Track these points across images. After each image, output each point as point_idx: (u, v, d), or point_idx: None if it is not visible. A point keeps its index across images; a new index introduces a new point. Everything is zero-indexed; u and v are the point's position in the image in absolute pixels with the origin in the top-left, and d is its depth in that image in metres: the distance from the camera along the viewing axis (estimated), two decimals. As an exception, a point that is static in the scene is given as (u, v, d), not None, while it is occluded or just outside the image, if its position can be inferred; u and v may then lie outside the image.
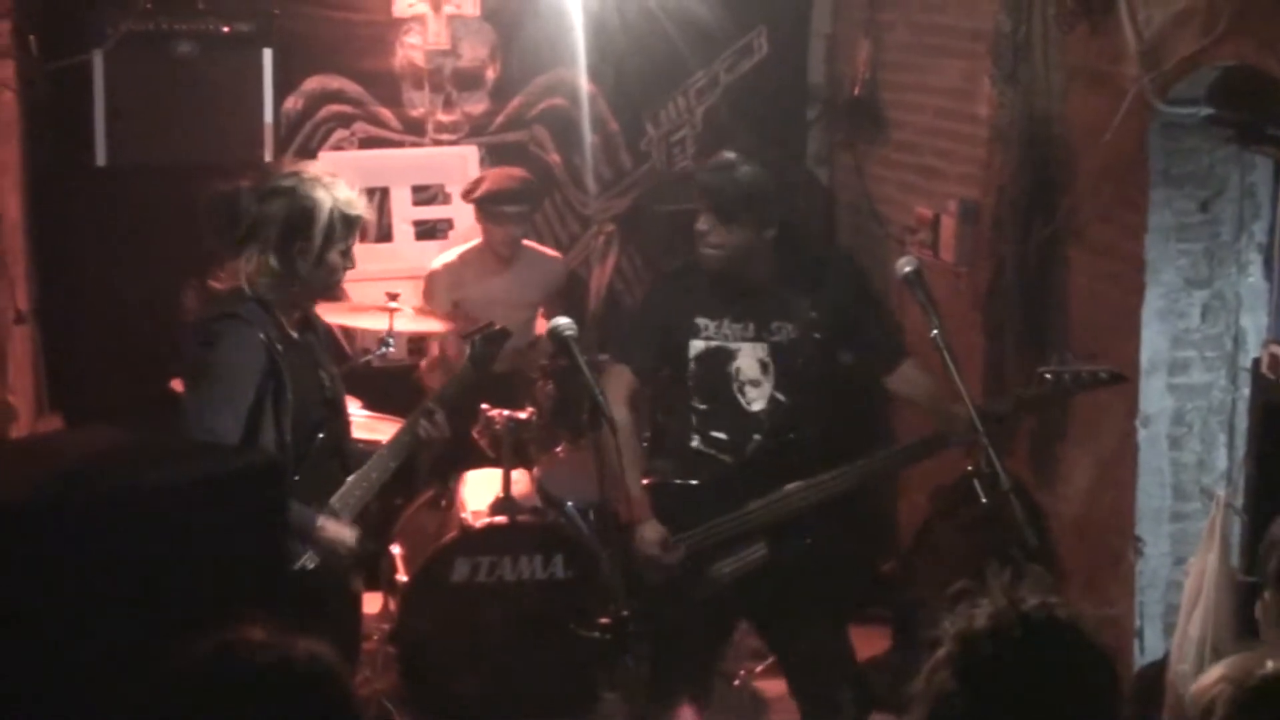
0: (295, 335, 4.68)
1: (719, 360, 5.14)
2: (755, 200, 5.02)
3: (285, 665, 2.41)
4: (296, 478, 4.55)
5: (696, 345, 5.16)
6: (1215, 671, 2.63)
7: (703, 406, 5.17)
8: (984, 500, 4.71)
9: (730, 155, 5.10)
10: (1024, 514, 4.59)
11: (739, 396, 5.15)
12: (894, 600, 6.63)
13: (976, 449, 4.76)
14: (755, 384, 5.15)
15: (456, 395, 5.06)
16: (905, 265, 4.97)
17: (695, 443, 5.18)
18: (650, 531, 5.09)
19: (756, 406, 5.14)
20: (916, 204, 7.11)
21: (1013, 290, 6.18)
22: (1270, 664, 2.57)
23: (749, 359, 5.14)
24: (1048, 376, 4.95)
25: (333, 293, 4.77)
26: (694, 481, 5.15)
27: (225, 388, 4.47)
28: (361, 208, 4.70)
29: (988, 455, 4.64)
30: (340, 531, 4.65)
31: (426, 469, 6.40)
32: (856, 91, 7.67)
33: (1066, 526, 5.99)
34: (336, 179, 4.70)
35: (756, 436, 5.14)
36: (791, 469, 5.10)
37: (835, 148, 8.15)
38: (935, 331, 4.78)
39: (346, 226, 4.63)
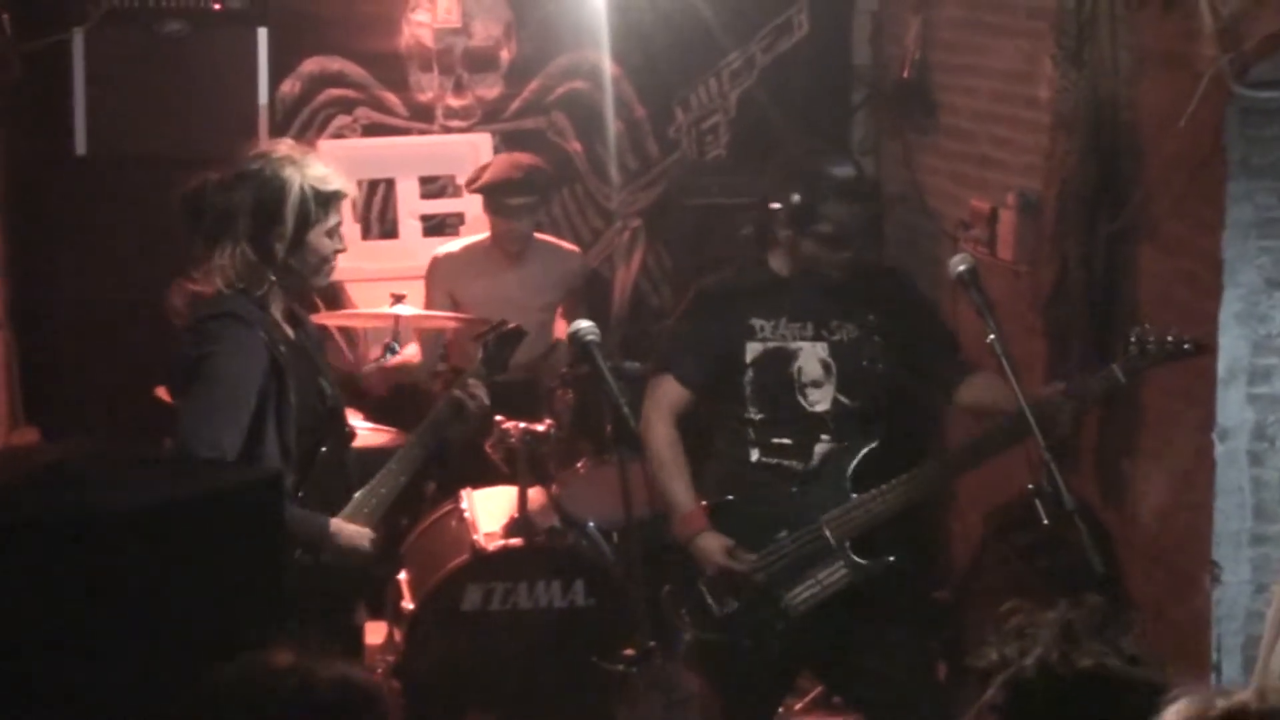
0: (291, 335, 4.71)
1: (779, 362, 5.18)
2: None
3: (308, 693, 2.46)
4: (301, 494, 4.58)
5: (753, 348, 5.20)
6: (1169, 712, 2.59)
7: (759, 416, 5.20)
8: (1045, 522, 4.70)
9: (828, 147, 5.19)
10: (1089, 537, 4.59)
11: (800, 399, 5.18)
12: (946, 631, 6.62)
13: (1038, 464, 4.77)
14: (817, 385, 5.19)
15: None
16: (959, 264, 4.99)
17: (755, 456, 5.21)
18: (711, 540, 5.12)
19: (820, 408, 5.18)
20: (971, 197, 7.10)
21: (1078, 291, 6.16)
22: (1220, 702, 2.51)
23: (810, 359, 5.18)
24: (1132, 346, 4.96)
25: (325, 278, 4.78)
26: (757, 498, 5.17)
27: (226, 394, 4.48)
28: (340, 183, 4.71)
29: (1049, 472, 4.64)
30: (354, 532, 4.68)
31: (458, 451, 6.32)
32: (905, 73, 7.67)
33: (1136, 551, 5.97)
34: (308, 155, 4.73)
35: (824, 437, 5.17)
36: (863, 476, 5.12)
37: (882, 135, 8.15)
38: (992, 337, 4.79)
39: (323, 205, 4.65)
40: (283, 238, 4.60)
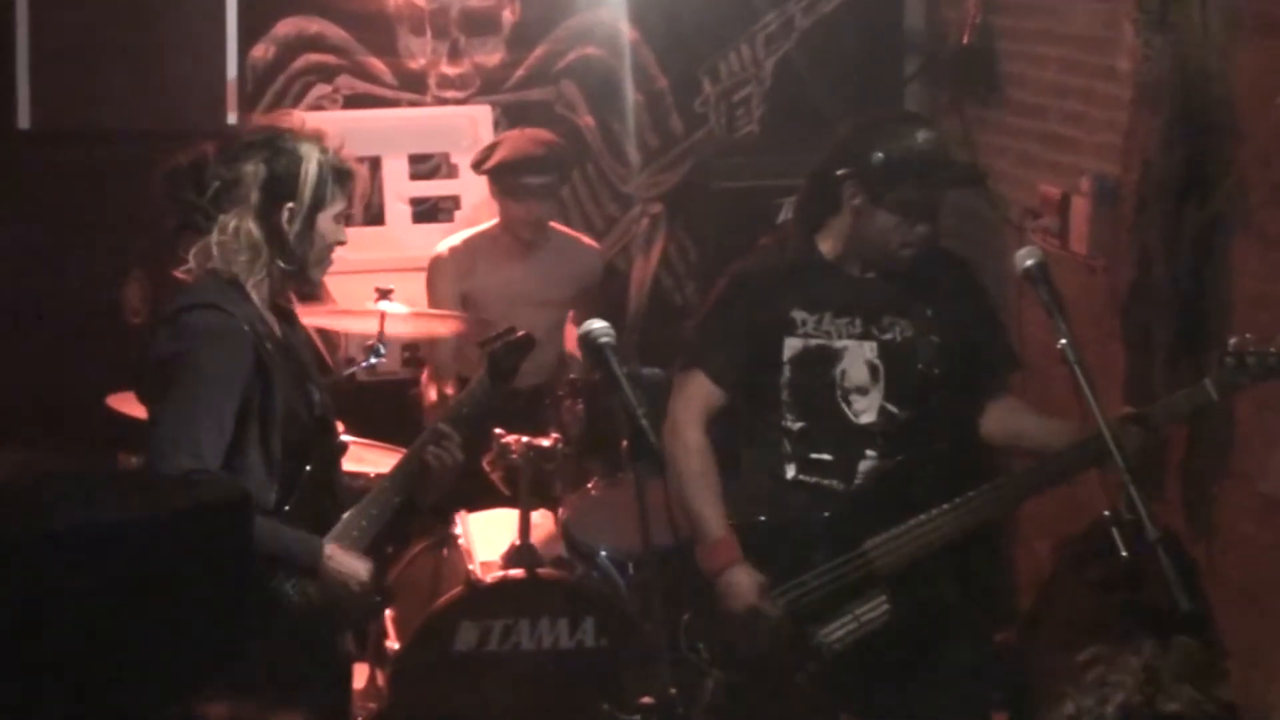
0: (279, 334, 4.72)
1: (820, 362, 5.19)
2: None
3: None
4: (286, 508, 4.60)
5: (793, 344, 5.20)
6: None
7: (798, 424, 5.21)
8: (1124, 553, 4.68)
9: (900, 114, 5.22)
10: (1175, 571, 4.57)
11: (844, 407, 5.18)
12: (1011, 677, 6.60)
13: (1115, 488, 4.74)
14: (862, 392, 5.19)
15: (472, 415, 5.07)
16: (1026, 258, 4.96)
17: (791, 472, 5.22)
18: (743, 576, 5.12)
19: (865, 419, 5.19)
20: (1040, 181, 7.13)
21: (1161, 290, 6.16)
22: None
23: (855, 361, 5.19)
24: (1229, 359, 4.91)
25: (322, 272, 4.81)
26: (791, 521, 5.15)
27: (207, 395, 4.49)
28: (353, 163, 4.78)
29: (1129, 497, 4.62)
30: (351, 563, 4.68)
31: (431, 507, 6.35)
32: (965, 40, 7.69)
33: (1228, 587, 5.97)
34: (320, 130, 4.78)
35: (870, 453, 5.16)
36: (915, 499, 5.11)
37: (938, 110, 8.14)
38: (1064, 341, 4.76)
39: (340, 184, 4.72)
40: (295, 217, 4.64)
